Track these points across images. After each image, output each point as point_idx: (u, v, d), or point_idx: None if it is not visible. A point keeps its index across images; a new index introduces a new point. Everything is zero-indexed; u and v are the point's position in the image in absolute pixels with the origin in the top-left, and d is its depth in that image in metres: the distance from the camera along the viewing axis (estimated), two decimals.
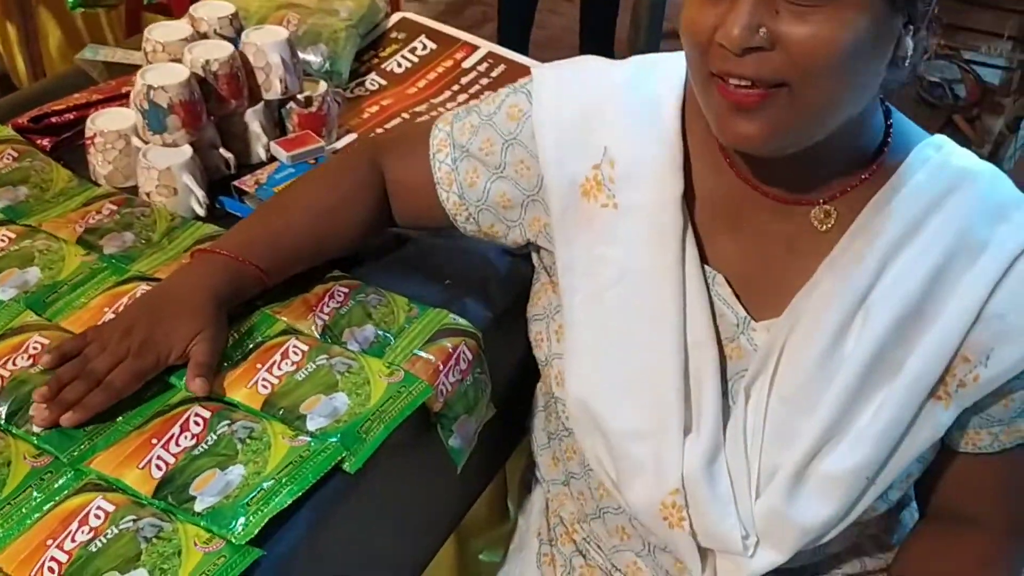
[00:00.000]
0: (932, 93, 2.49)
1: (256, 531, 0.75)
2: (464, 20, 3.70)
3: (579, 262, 0.88)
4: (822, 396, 0.81)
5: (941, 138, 0.85)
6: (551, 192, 0.88)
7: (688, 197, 0.85)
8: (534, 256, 0.99)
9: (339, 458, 0.82)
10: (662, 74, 0.89)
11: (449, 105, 1.36)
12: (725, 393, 0.85)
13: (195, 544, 0.74)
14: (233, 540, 0.75)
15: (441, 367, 0.94)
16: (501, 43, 1.44)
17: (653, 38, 1.60)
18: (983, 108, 2.58)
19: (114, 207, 1.09)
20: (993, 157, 2.68)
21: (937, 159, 0.82)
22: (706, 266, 0.86)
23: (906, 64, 0.77)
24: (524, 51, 2.99)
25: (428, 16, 1.56)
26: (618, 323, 0.87)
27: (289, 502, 0.78)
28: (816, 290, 0.82)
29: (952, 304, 0.79)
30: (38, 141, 1.19)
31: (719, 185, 0.85)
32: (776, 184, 0.83)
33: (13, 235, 1.04)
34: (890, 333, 0.80)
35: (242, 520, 0.76)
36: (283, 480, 0.79)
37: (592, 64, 0.94)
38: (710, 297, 0.85)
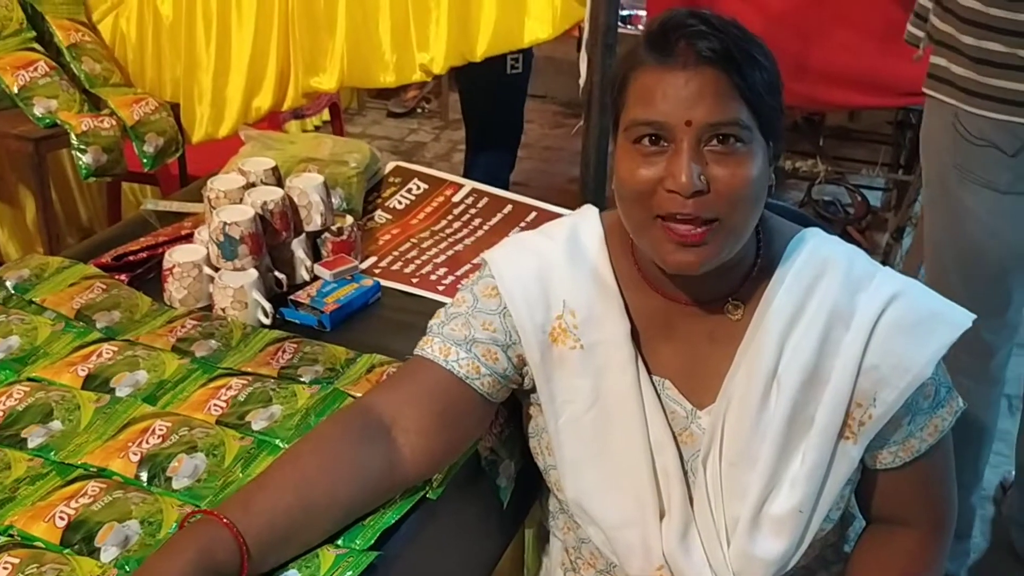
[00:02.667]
0: (827, 210, 2.92)
1: (371, 543, 0.97)
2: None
3: (558, 395, 1.07)
4: (759, 455, 1.03)
5: (807, 233, 1.07)
6: (528, 343, 1.06)
7: (630, 321, 1.06)
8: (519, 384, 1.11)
9: (424, 490, 1.06)
10: (585, 232, 1.11)
11: (447, 231, 1.65)
12: (686, 473, 1.09)
13: (328, 550, 0.96)
14: (355, 548, 0.96)
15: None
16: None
17: (600, 185, 1.94)
18: (871, 223, 3.01)
19: (195, 322, 1.33)
20: (883, 265, 3.10)
21: (806, 250, 1.04)
22: (654, 376, 1.07)
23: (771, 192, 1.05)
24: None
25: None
26: (595, 438, 1.07)
27: (392, 522, 1.00)
28: (737, 375, 1.04)
29: (839, 364, 1.00)
30: (116, 277, 1.43)
31: (650, 305, 1.07)
32: (693, 294, 1.05)
33: (116, 348, 1.26)
34: (798, 395, 1.01)
35: (360, 534, 0.98)
36: (385, 507, 1.02)
37: (528, 238, 1.14)
38: (661, 402, 1.07)
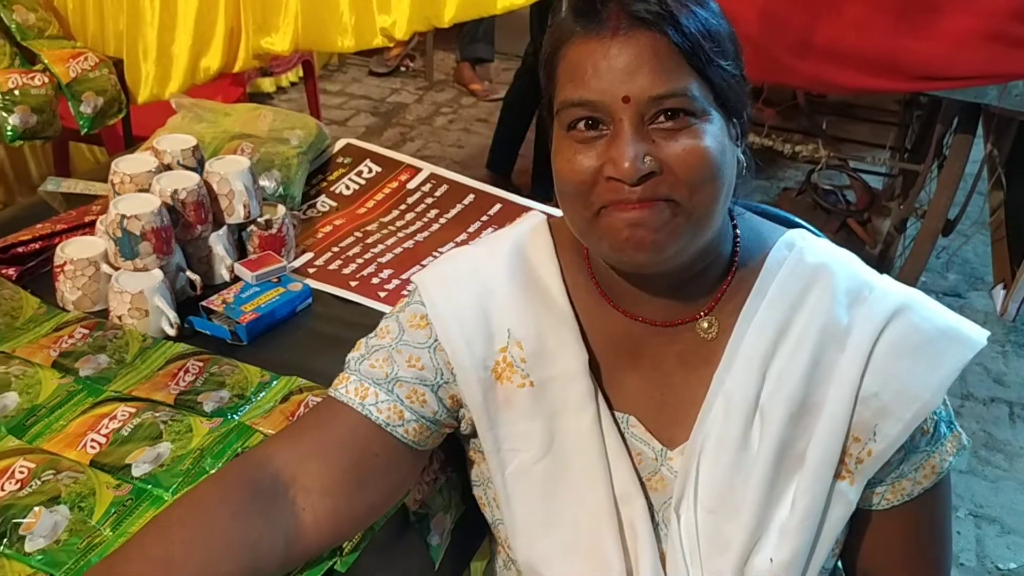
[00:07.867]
0: (826, 200, 2.71)
1: None
2: (385, 141, 3.85)
3: (504, 442, 0.92)
4: (742, 501, 0.88)
5: (793, 235, 0.93)
6: (467, 382, 0.90)
7: (588, 350, 0.91)
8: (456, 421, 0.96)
9: (332, 561, 0.87)
10: (532, 244, 0.95)
11: (398, 223, 1.45)
12: (656, 526, 0.92)
13: None
14: None
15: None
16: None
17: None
18: (873, 212, 2.80)
19: (86, 331, 1.13)
20: (884, 257, 2.90)
21: (792, 258, 0.91)
22: (617, 413, 0.92)
23: (743, 174, 0.88)
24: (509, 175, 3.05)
25: (350, 137, 1.66)
26: (549, 492, 0.92)
27: None
28: (714, 406, 0.89)
29: (833, 392, 0.87)
30: (3, 271, 1.23)
31: (611, 328, 0.92)
32: (661, 311, 0.90)
33: None
34: (786, 429, 0.87)
35: None
36: None
37: (465, 254, 0.98)
38: (626, 443, 0.92)
